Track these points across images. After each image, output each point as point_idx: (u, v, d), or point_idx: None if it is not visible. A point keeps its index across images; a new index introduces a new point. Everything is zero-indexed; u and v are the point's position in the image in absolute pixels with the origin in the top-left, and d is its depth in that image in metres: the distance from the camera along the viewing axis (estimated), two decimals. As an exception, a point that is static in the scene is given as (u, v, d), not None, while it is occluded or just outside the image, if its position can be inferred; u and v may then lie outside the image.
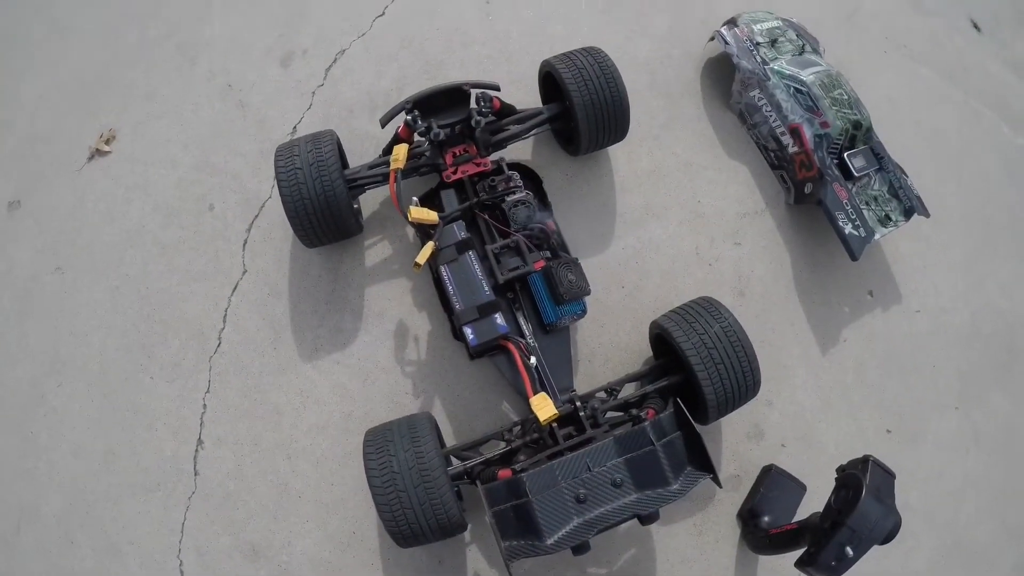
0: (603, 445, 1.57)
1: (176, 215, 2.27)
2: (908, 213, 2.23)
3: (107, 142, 2.40)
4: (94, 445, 2.05)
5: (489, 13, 2.53)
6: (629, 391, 1.86)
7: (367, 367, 2.06)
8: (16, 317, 2.22)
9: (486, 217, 1.90)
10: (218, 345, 2.10)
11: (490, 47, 2.47)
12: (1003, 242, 2.59)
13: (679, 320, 1.78)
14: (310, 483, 1.96)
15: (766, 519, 1.90)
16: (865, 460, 1.48)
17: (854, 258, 2.11)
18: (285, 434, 2.01)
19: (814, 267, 2.31)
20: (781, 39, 2.39)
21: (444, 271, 1.78)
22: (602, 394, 1.83)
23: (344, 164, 2.05)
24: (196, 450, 2.01)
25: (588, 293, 1.83)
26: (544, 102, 2.22)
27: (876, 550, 1.45)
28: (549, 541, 1.47)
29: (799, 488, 1.96)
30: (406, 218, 1.79)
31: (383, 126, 1.94)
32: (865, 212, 2.16)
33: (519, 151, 2.28)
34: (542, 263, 1.81)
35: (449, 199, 1.92)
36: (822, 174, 2.15)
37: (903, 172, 2.30)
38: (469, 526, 1.79)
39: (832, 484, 1.52)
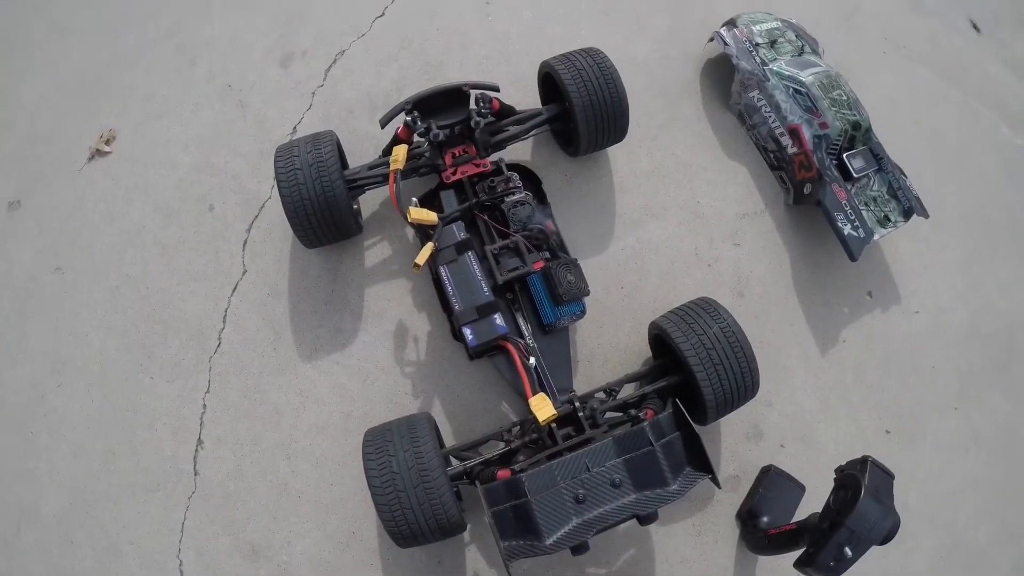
0: (602, 445, 1.57)
1: (176, 215, 2.28)
2: (907, 214, 2.23)
3: (107, 142, 2.41)
4: (94, 445, 2.05)
5: (489, 14, 2.54)
6: (628, 391, 1.86)
7: (366, 367, 2.06)
8: (16, 317, 2.23)
9: (485, 218, 1.90)
10: (218, 345, 2.11)
11: (489, 48, 2.47)
12: (1002, 242, 2.59)
13: (678, 321, 1.78)
14: (310, 483, 1.96)
15: (765, 519, 1.90)
16: (864, 461, 1.49)
17: (853, 259, 2.11)
18: (285, 434, 2.01)
19: (813, 268, 2.31)
20: (780, 40, 2.39)
21: (443, 272, 1.78)
22: (601, 394, 1.83)
23: (344, 165, 2.05)
24: (196, 450, 2.01)
25: (587, 294, 1.84)
26: (543, 103, 2.23)
27: (875, 550, 1.45)
28: (548, 541, 1.47)
29: (798, 489, 1.96)
30: (405, 219, 1.79)
31: (383, 127, 1.94)
32: (864, 213, 2.16)
33: (518, 152, 2.28)
34: (541, 264, 1.81)
35: (448, 200, 1.93)
36: (821, 175, 2.16)
37: (902, 173, 2.30)
38: (468, 526, 1.80)
39: (831, 485, 1.52)
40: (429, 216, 1.80)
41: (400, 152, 1.87)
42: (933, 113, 2.74)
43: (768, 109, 2.28)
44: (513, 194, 1.90)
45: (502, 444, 1.74)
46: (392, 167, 1.86)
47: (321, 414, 2.02)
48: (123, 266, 2.23)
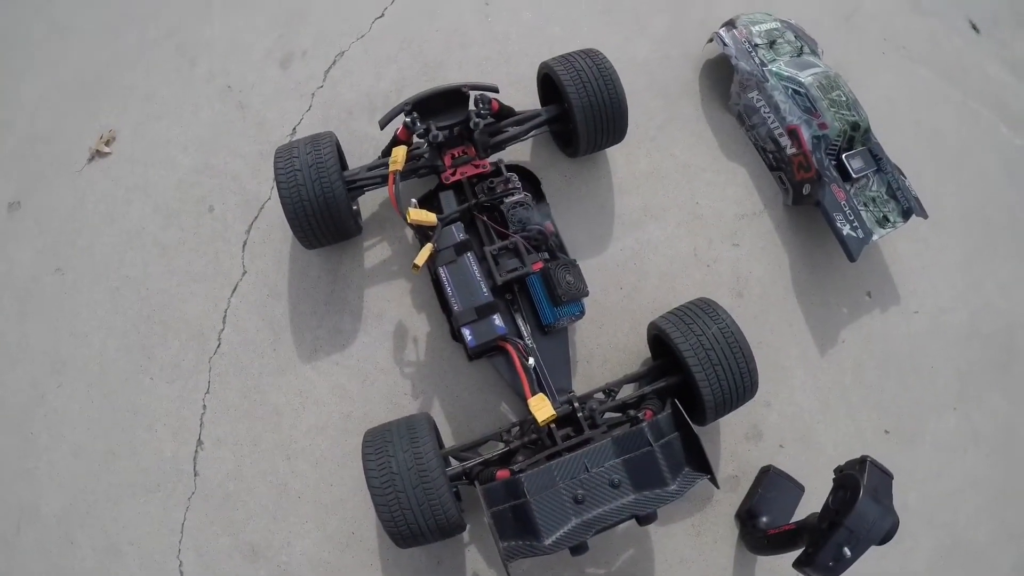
0: (601, 446, 1.57)
1: (176, 216, 2.28)
2: (906, 214, 2.23)
3: (107, 143, 2.41)
4: (94, 445, 2.06)
5: (488, 15, 2.54)
6: (627, 392, 1.86)
7: (366, 368, 2.06)
8: (16, 318, 2.23)
9: (484, 219, 1.91)
10: (218, 346, 2.11)
11: (489, 49, 2.47)
12: (1002, 242, 2.59)
13: (677, 321, 1.79)
14: (309, 484, 1.96)
15: (764, 520, 1.90)
16: (863, 461, 1.49)
17: (852, 259, 2.12)
18: (284, 435, 2.01)
19: (812, 268, 2.32)
20: (779, 40, 2.39)
21: (443, 272, 1.78)
22: (600, 395, 1.84)
23: (343, 166, 2.06)
24: (196, 451, 2.02)
25: (586, 294, 1.84)
26: (543, 104, 2.23)
27: (874, 551, 1.45)
28: (547, 541, 1.47)
29: (797, 489, 1.96)
30: (405, 220, 1.79)
31: (382, 128, 1.94)
32: (863, 213, 2.16)
33: (518, 153, 2.28)
34: (540, 264, 1.82)
35: (448, 201, 1.93)
36: (820, 175, 2.16)
37: (901, 173, 2.31)
38: (468, 526, 1.80)
39: (830, 485, 1.53)
40: (428, 217, 1.81)
41: (399, 153, 1.87)
42: (932, 113, 2.75)
43: (767, 110, 2.29)
44: (512, 195, 1.90)
45: (501, 444, 1.74)
46: (391, 168, 1.86)
47: (321, 415, 2.03)
48: (123, 267, 2.24)
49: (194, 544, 1.94)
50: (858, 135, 2.24)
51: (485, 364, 1.94)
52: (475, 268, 1.77)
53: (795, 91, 2.23)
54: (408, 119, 1.91)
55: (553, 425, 1.68)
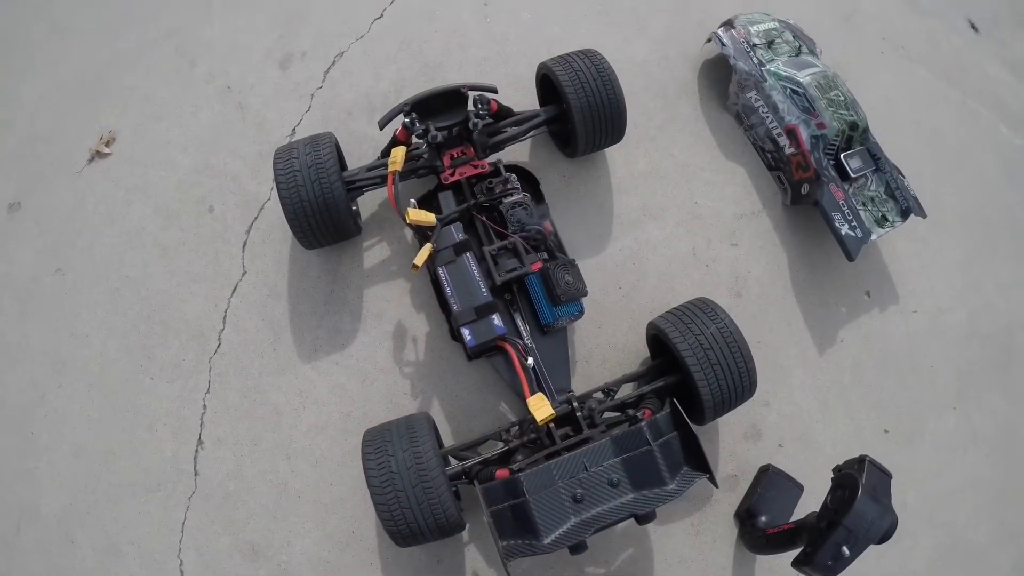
0: (600, 445, 1.58)
1: (176, 217, 2.28)
2: (905, 214, 2.23)
3: (107, 144, 2.42)
4: (94, 445, 2.06)
5: (487, 15, 2.54)
6: (626, 391, 1.87)
7: (366, 368, 2.07)
8: (17, 318, 2.23)
9: (484, 219, 1.91)
10: (218, 346, 2.11)
11: (488, 49, 2.48)
12: (1001, 242, 2.59)
13: (676, 321, 1.79)
14: (309, 483, 1.97)
15: (763, 519, 1.91)
16: (861, 460, 1.49)
17: (850, 259, 2.12)
18: (284, 434, 2.02)
19: (811, 268, 2.32)
20: (778, 40, 2.39)
21: (442, 272, 1.79)
22: (599, 394, 1.84)
23: (343, 166, 2.06)
24: (196, 450, 2.02)
25: (585, 294, 1.84)
26: (541, 104, 2.23)
27: (873, 550, 1.46)
28: (546, 540, 1.48)
29: (796, 488, 1.96)
30: (404, 220, 1.80)
31: (381, 128, 1.95)
32: (862, 213, 2.17)
33: (516, 153, 2.29)
34: (539, 264, 1.82)
35: (447, 201, 1.93)
36: (818, 175, 2.16)
37: (900, 173, 2.31)
38: (467, 526, 1.80)
39: (829, 484, 1.53)
40: (427, 217, 1.81)
41: (398, 153, 1.87)
42: (932, 113, 2.75)
43: (765, 109, 2.29)
44: (511, 195, 1.91)
45: (501, 444, 1.74)
46: (390, 168, 1.86)
47: (320, 414, 2.03)
48: (123, 267, 2.24)
49: (194, 544, 1.94)
50: (856, 135, 2.24)
51: (484, 364, 1.94)
52: (474, 268, 1.78)
53: (793, 91, 2.24)
54: (407, 120, 1.91)
55: (552, 424, 1.68)
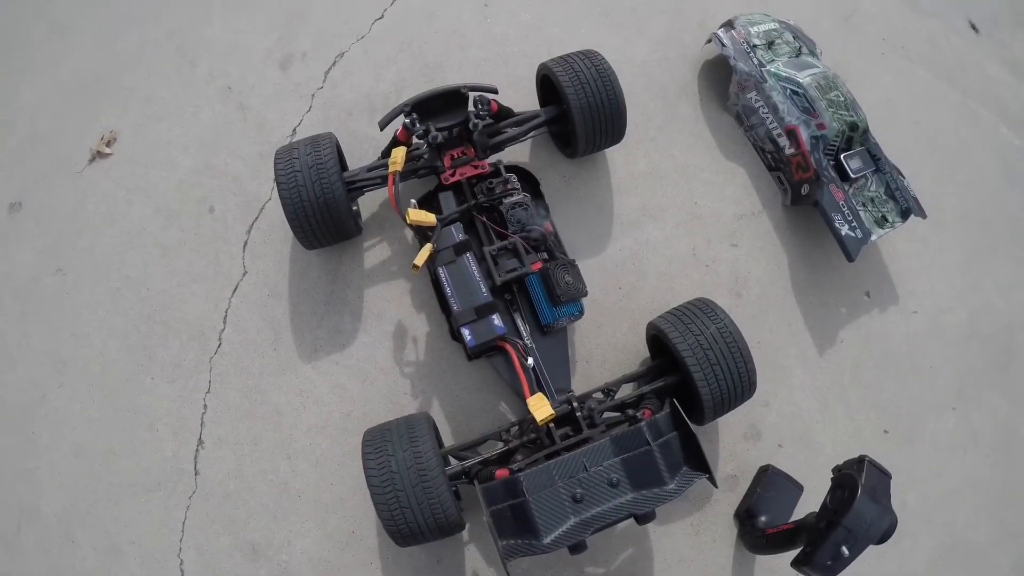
0: (600, 445, 1.58)
1: (177, 217, 2.29)
2: (905, 214, 2.23)
3: (108, 144, 2.42)
4: (95, 445, 2.06)
5: (487, 16, 2.54)
6: (626, 392, 1.87)
7: (366, 368, 2.07)
8: (17, 318, 2.24)
9: (484, 219, 1.91)
10: (218, 346, 2.12)
11: (488, 50, 2.48)
12: (1001, 243, 2.59)
13: (675, 321, 1.79)
14: (309, 483, 1.97)
15: (763, 519, 1.91)
16: (861, 460, 1.49)
17: (850, 259, 2.12)
18: (285, 434, 2.02)
19: (811, 268, 2.32)
20: (778, 41, 2.40)
21: (442, 272, 1.79)
22: (599, 394, 1.84)
23: (343, 167, 2.06)
24: (196, 450, 2.02)
25: (585, 294, 1.84)
26: (541, 105, 2.24)
27: (873, 550, 1.46)
28: (546, 540, 1.48)
29: (796, 488, 1.96)
30: (404, 220, 1.80)
31: (382, 129, 1.95)
32: (862, 213, 2.17)
33: (517, 153, 2.29)
34: (539, 265, 1.82)
35: (447, 201, 1.94)
36: (818, 175, 2.16)
37: (900, 173, 2.31)
38: (467, 525, 1.81)
39: (829, 484, 1.53)
40: (428, 217, 1.81)
41: (399, 154, 1.88)
42: (932, 114, 2.75)
43: (766, 110, 2.29)
44: (511, 195, 1.91)
45: (500, 444, 1.75)
46: (391, 169, 1.86)
47: (321, 414, 2.03)
48: (124, 267, 2.24)
49: (195, 543, 1.94)
50: (856, 135, 2.24)
51: (484, 364, 1.94)
52: (474, 268, 1.78)
53: (793, 91, 2.24)
54: (407, 120, 1.92)
55: (552, 424, 1.68)
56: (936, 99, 2.80)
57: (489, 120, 1.99)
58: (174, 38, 2.58)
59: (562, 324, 1.89)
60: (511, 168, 2.02)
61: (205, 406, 2.06)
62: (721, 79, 2.48)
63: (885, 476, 1.49)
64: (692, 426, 1.64)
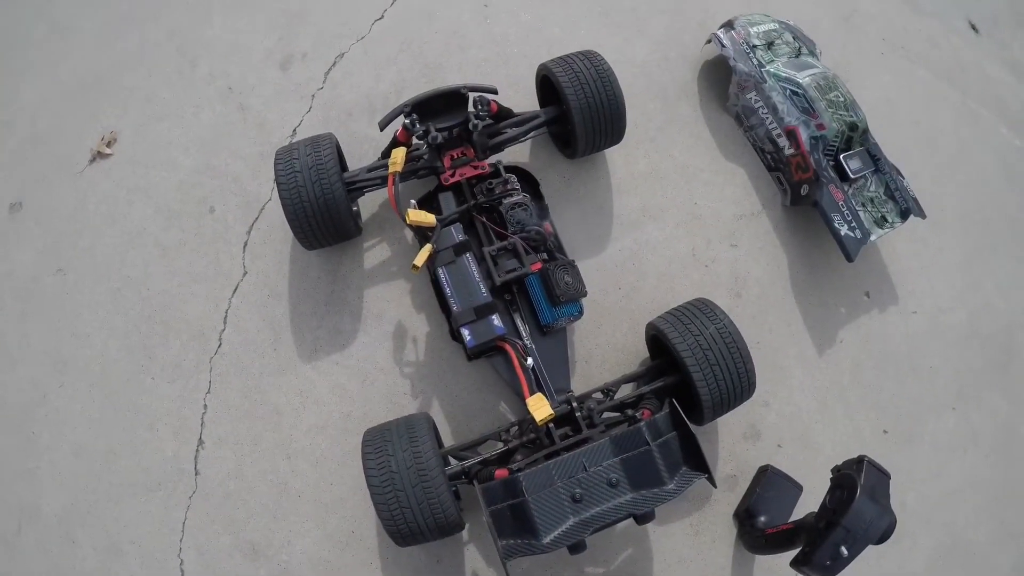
0: (599, 445, 1.58)
1: (177, 217, 2.29)
2: (904, 214, 2.23)
3: (108, 144, 2.42)
4: (95, 445, 2.07)
5: (487, 17, 2.55)
6: (625, 392, 1.87)
7: (366, 368, 2.07)
8: (18, 318, 2.24)
9: (484, 219, 1.91)
10: (219, 346, 2.12)
11: (488, 50, 2.48)
12: (1001, 243, 2.59)
13: (675, 321, 1.79)
14: (309, 483, 1.97)
15: (762, 519, 1.91)
16: (860, 460, 1.49)
17: (850, 259, 2.12)
18: (285, 434, 2.02)
19: (810, 268, 2.32)
20: (778, 41, 2.40)
21: (442, 273, 1.79)
22: (598, 395, 1.84)
23: (343, 167, 2.07)
24: (197, 450, 2.03)
25: (584, 295, 1.85)
26: (541, 105, 2.24)
27: (873, 550, 1.46)
28: (545, 540, 1.48)
29: (795, 488, 1.96)
30: (404, 221, 1.80)
31: (382, 129, 1.95)
32: (861, 213, 2.17)
33: (516, 154, 2.29)
34: (539, 265, 1.83)
35: (447, 202, 1.94)
36: (818, 176, 2.16)
37: (899, 173, 2.31)
38: (467, 525, 1.81)
39: (828, 484, 1.53)
40: (427, 218, 1.81)
41: (399, 154, 1.88)
42: (931, 114, 2.75)
43: (765, 110, 2.29)
44: (511, 196, 1.91)
45: (500, 444, 1.75)
46: (391, 169, 1.86)
47: (321, 414, 2.04)
48: (124, 267, 2.25)
49: (195, 543, 1.95)
50: (856, 136, 2.24)
51: (484, 364, 1.95)
52: (474, 269, 1.78)
53: (793, 92, 2.24)
54: (407, 121, 1.92)
55: (551, 425, 1.69)
56: (936, 99, 2.80)
57: (489, 120, 1.99)
58: (174, 38, 2.58)
59: (561, 324, 1.89)
60: (511, 168, 2.02)
61: (205, 406, 2.06)
62: (721, 79, 2.48)
63: (884, 476, 1.49)
64: (691, 426, 1.64)
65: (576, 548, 1.50)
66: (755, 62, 2.31)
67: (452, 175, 1.94)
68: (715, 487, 1.63)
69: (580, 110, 1.98)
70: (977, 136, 2.77)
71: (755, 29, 2.40)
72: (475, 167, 1.95)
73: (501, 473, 1.59)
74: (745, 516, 1.95)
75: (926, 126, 2.71)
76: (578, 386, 1.98)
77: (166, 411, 2.07)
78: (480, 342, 1.72)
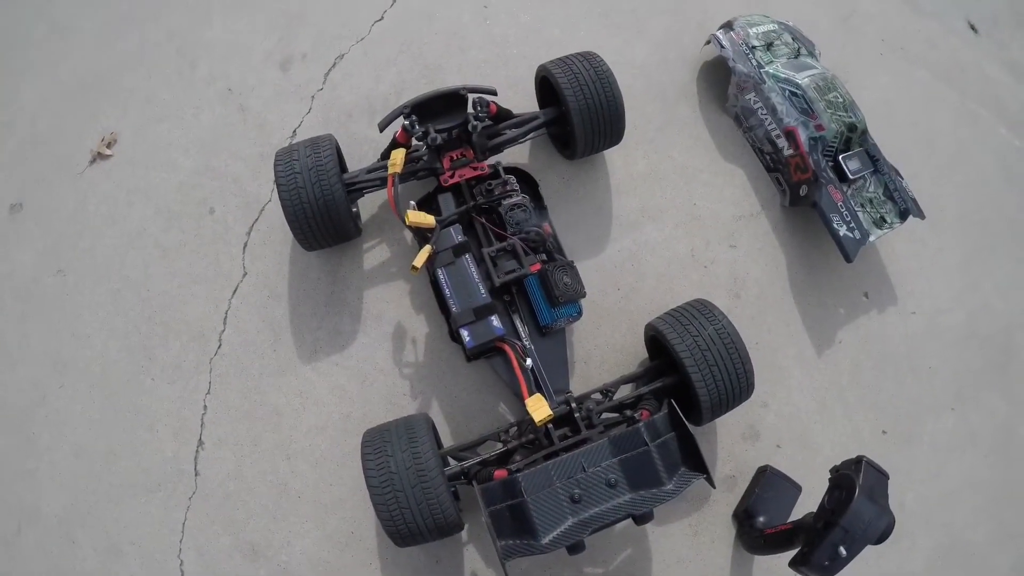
0: (598, 446, 1.58)
1: (177, 218, 2.29)
2: (903, 215, 2.24)
3: (108, 145, 2.43)
4: (95, 446, 2.07)
5: (487, 18, 2.55)
6: (624, 392, 1.88)
7: (365, 369, 2.08)
8: (18, 319, 2.24)
9: (483, 221, 1.92)
10: (218, 347, 2.12)
11: (487, 52, 2.49)
12: (1000, 243, 2.59)
13: (673, 322, 1.80)
14: (309, 483, 1.98)
15: (761, 519, 1.91)
16: (859, 461, 1.50)
17: (849, 260, 2.12)
18: (284, 435, 2.03)
19: (809, 269, 2.32)
20: (777, 42, 2.40)
21: (441, 274, 1.79)
22: (597, 395, 1.85)
23: (343, 168, 2.07)
24: (196, 451, 2.03)
25: (583, 295, 1.85)
26: (541, 106, 2.24)
27: (872, 551, 1.46)
28: (544, 540, 1.49)
29: (794, 489, 1.97)
30: (404, 222, 1.81)
31: (381, 130, 1.96)
32: (860, 214, 2.17)
33: (516, 155, 2.29)
34: (538, 266, 1.83)
35: (446, 203, 1.94)
36: (817, 176, 2.17)
37: (898, 174, 2.31)
38: (466, 526, 1.81)
39: (827, 485, 1.53)
40: (427, 219, 1.82)
41: (398, 156, 1.88)
42: (931, 114, 2.75)
43: (764, 111, 2.30)
44: (510, 197, 1.91)
45: (499, 445, 1.75)
46: (390, 171, 1.87)
47: (320, 415, 2.04)
48: (124, 268, 2.25)
49: (195, 544, 1.95)
50: (855, 136, 2.24)
51: (483, 365, 1.95)
52: (473, 270, 1.78)
53: (792, 93, 2.24)
54: (407, 122, 1.92)
55: (550, 425, 1.69)
56: (935, 100, 2.80)
57: (488, 122, 1.99)
58: (174, 39, 2.58)
59: (561, 325, 1.90)
60: (510, 170, 2.03)
61: (205, 407, 2.07)
62: (720, 80, 2.48)
63: (883, 476, 1.50)
64: (690, 427, 1.64)
65: (575, 548, 1.50)
66: (754, 63, 2.32)
67: (451, 176, 1.95)
68: (714, 487, 1.63)
69: (579, 111, 1.98)
70: (976, 136, 2.77)
71: (754, 30, 2.40)
72: (474, 168, 1.95)
73: (500, 474, 1.59)
74: (744, 516, 1.95)
75: (925, 127, 2.71)
76: (577, 387, 1.99)
77: (166, 412, 2.07)
78: (479, 343, 1.73)
